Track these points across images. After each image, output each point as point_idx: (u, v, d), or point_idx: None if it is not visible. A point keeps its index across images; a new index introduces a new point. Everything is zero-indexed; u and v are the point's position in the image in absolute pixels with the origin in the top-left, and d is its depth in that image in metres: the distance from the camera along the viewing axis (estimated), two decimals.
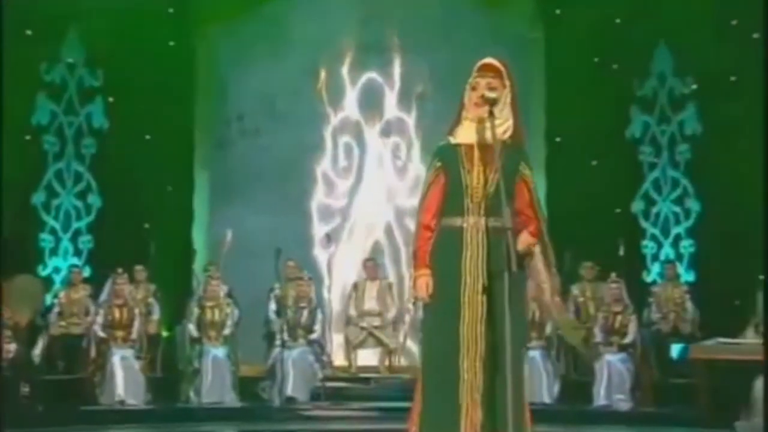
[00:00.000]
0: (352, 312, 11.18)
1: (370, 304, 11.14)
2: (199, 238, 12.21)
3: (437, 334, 4.68)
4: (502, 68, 4.75)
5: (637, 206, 12.11)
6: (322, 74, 12.46)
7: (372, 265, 11.40)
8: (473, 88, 4.75)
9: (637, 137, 12.20)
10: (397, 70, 12.60)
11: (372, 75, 12.62)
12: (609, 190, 11.79)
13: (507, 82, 4.74)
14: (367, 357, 11.26)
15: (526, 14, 12.37)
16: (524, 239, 4.61)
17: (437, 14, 12.36)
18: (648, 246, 12.09)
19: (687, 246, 12.01)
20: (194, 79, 12.36)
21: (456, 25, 12.26)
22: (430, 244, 4.72)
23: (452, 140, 4.78)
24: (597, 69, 11.98)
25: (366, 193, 12.62)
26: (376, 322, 11.10)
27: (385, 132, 12.66)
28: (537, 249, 4.74)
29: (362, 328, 11.11)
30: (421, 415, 4.72)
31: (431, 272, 4.67)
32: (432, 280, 4.65)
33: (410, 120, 12.62)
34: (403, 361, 11.36)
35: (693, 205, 12.02)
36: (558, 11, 12.21)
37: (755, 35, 11.50)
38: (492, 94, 4.67)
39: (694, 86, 12.01)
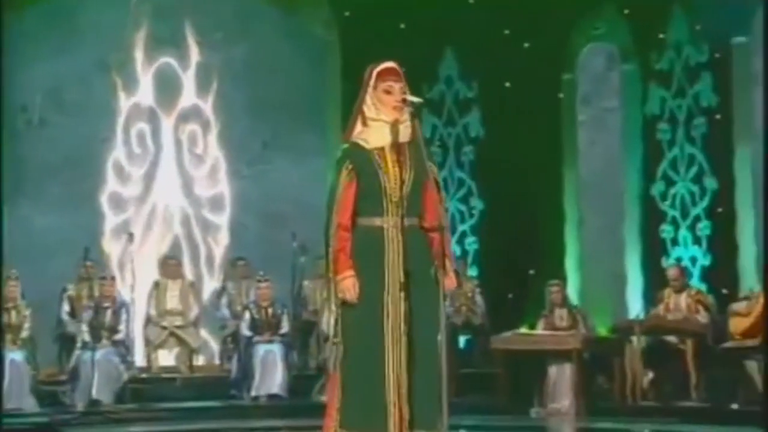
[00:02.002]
0: (153, 311, 10.95)
1: (172, 303, 10.95)
2: None
3: (360, 332, 4.77)
4: (401, 71, 4.96)
5: None
6: (114, 63, 12.09)
7: (174, 264, 11.20)
8: (387, 92, 4.93)
9: (427, 138, 12.61)
10: (193, 60, 12.42)
11: (168, 62, 12.37)
12: None
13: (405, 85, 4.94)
14: (168, 357, 11.07)
15: (322, 16, 12.52)
16: (449, 283, 4.81)
17: (233, 10, 12.29)
18: None
19: (471, 243, 12.58)
20: None
21: (252, 21, 12.26)
22: (350, 245, 4.81)
23: (364, 144, 4.89)
24: None
25: (162, 181, 12.33)
26: (178, 321, 10.93)
27: (181, 120, 12.42)
28: None
29: (163, 328, 10.92)
30: (341, 411, 4.78)
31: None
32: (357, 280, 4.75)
33: (207, 108, 12.43)
34: (201, 360, 11.27)
35: (477, 204, 12.59)
36: (347, 14, 12.46)
37: (526, 45, 12.26)
38: (418, 99, 4.88)
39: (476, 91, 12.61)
